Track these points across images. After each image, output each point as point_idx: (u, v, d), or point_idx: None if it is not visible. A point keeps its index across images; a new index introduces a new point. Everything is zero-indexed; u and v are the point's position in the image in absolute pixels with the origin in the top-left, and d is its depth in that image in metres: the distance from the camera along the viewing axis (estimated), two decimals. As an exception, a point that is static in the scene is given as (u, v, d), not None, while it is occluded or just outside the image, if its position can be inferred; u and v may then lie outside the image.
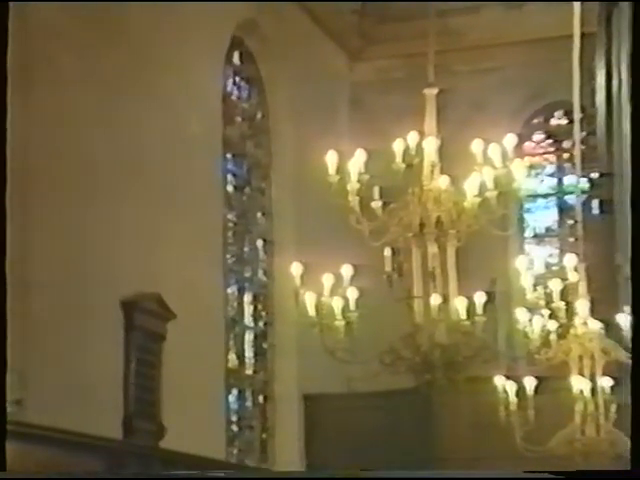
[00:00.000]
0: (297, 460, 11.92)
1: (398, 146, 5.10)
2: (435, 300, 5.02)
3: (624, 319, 7.03)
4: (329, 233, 10.98)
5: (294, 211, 12.46)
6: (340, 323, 5.09)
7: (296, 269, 5.19)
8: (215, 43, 11.22)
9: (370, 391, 10.54)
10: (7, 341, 4.34)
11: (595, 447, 7.13)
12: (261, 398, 12.01)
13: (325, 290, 5.15)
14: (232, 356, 11.49)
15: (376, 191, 5.15)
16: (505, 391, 7.17)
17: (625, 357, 6.95)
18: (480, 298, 5.12)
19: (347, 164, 5.08)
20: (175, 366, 9.58)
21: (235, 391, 11.56)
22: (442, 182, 5.15)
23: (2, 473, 4.42)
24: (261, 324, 12.14)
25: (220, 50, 11.40)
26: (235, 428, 11.52)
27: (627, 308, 7.22)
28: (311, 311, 5.13)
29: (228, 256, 11.58)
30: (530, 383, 7.22)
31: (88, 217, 8.81)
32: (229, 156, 11.84)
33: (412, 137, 5.11)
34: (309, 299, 5.13)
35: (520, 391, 7.20)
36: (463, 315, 5.04)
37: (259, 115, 12.53)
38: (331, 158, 5.10)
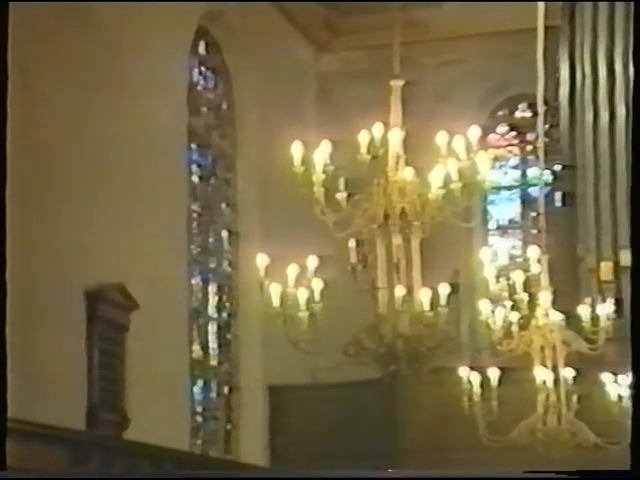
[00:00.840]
0: (261, 451, 11.93)
1: (363, 137, 5.11)
2: (399, 291, 5.04)
3: (585, 310, 7.11)
4: (294, 224, 10.98)
5: (259, 202, 12.44)
6: (304, 314, 5.10)
7: (261, 260, 5.19)
8: (180, 33, 11.16)
9: (334, 382, 10.56)
10: (7, 341, 4.30)
11: (556, 437, 7.21)
12: (226, 389, 12.00)
13: (290, 281, 5.15)
14: (196, 347, 11.46)
15: (341, 182, 5.16)
16: (469, 382, 7.22)
17: (585, 348, 7.03)
18: (444, 289, 5.14)
19: (312, 155, 5.08)
20: (139, 357, 9.55)
21: (200, 382, 11.54)
22: (407, 174, 5.16)
23: (2, 473, 4.39)
24: (225, 315, 12.12)
25: (185, 40, 11.35)
26: (199, 419, 11.50)
27: (588, 299, 7.30)
28: (276, 302, 5.13)
29: (192, 247, 11.55)
30: (493, 374, 7.28)
31: (51, 207, 8.74)
32: (194, 146, 11.79)
33: (377, 128, 5.12)
34: (274, 290, 5.14)
35: (484, 382, 7.25)
36: (427, 306, 5.06)
37: (225, 106, 12.49)
38: (296, 149, 5.09)
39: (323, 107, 13.62)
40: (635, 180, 5.03)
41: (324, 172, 5.06)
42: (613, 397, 7.45)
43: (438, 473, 9.87)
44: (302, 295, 5.12)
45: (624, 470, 5.25)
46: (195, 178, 11.81)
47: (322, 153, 5.08)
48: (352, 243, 5.22)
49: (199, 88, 12.07)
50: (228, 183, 12.39)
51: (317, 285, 5.15)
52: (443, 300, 5.12)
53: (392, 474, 9.84)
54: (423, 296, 5.08)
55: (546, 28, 8.03)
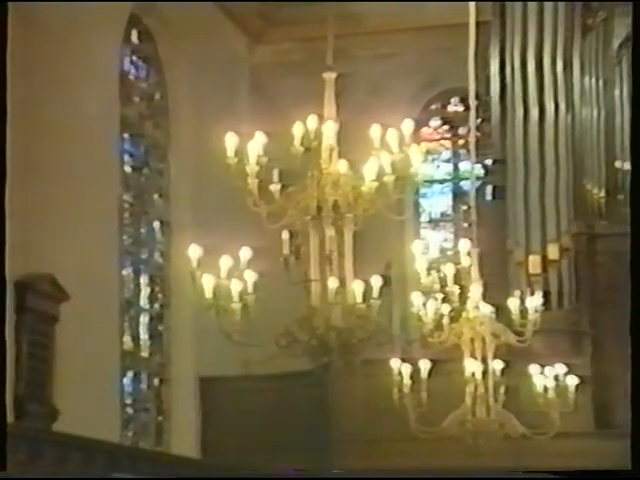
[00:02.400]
0: (193, 443, 11.89)
1: (297, 129, 5.11)
2: (332, 283, 5.06)
3: (514, 303, 7.21)
4: (227, 215, 10.94)
5: (192, 193, 12.38)
6: (237, 306, 5.09)
7: (193, 251, 5.16)
8: (112, 20, 11.04)
9: (267, 374, 10.57)
10: (6, 341, 4.22)
11: (485, 428, 7.31)
12: (157, 381, 11.93)
13: (222, 272, 5.14)
14: (127, 338, 11.38)
15: (275, 174, 5.15)
16: (400, 374, 7.28)
17: (514, 340, 7.13)
18: (376, 282, 5.18)
19: (246, 146, 5.07)
20: (69, 348, 9.44)
21: (130, 374, 11.46)
22: (340, 166, 5.18)
23: (2, 473, 4.31)
24: (157, 306, 12.05)
25: (117, 28, 11.23)
26: (130, 411, 11.42)
27: (517, 292, 7.40)
28: (208, 293, 5.11)
29: (124, 237, 11.44)
30: (424, 366, 7.35)
31: (-21, 196, 8.58)
32: (126, 136, 11.68)
33: (311, 121, 5.13)
34: (206, 281, 5.12)
35: (414, 374, 7.32)
36: (359, 298, 5.09)
37: (158, 95, 12.40)
38: (230, 140, 5.08)
39: (257, 98, 13.59)
40: (635, 180, 5.09)
41: (257, 164, 5.05)
42: (540, 388, 7.57)
43: (438, 473, 9.99)
44: (235, 287, 5.11)
45: (624, 470, 5.32)
46: (127, 168, 11.70)
47: (256, 144, 5.07)
48: (285, 235, 5.23)
49: (131, 77, 11.95)
50: (161, 173, 12.31)
51: (250, 277, 5.15)
52: (375, 292, 5.15)
53: (392, 474, 9.92)
54: (355, 288, 5.10)
55: (477, 24, 8.11)
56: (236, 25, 13.59)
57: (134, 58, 12.05)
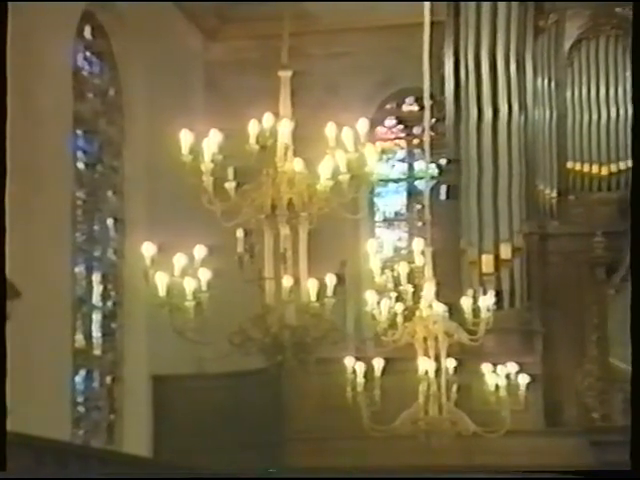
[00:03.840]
0: (145, 442, 11.83)
1: (252, 127, 5.11)
2: (286, 282, 5.06)
3: (467, 302, 7.26)
4: (182, 213, 10.90)
5: (147, 190, 12.31)
6: (190, 304, 5.07)
7: (147, 249, 5.14)
8: (65, 16, 10.93)
9: (220, 372, 10.54)
10: (7, 341, 4.16)
11: (437, 426, 7.35)
12: (109, 379, 11.85)
13: (176, 270, 5.12)
14: (79, 336, 11.29)
15: (230, 172, 5.14)
16: (353, 372, 7.30)
17: (466, 339, 7.18)
18: (330, 280, 5.19)
19: (201, 144, 5.05)
20: (19, 346, 9.33)
21: (82, 372, 11.37)
22: (296, 164, 5.18)
23: (2, 473, 4.26)
24: (110, 304, 11.97)
25: (70, 23, 11.13)
26: (81, 409, 11.34)
27: (470, 291, 7.45)
28: (161, 291, 5.09)
29: (77, 234, 11.35)
30: (378, 364, 7.37)
31: None
32: (80, 133, 11.59)
33: (266, 119, 5.13)
34: (159, 279, 5.10)
35: (368, 372, 7.34)
36: (313, 297, 5.09)
37: (112, 92, 12.31)
38: (184, 137, 5.06)
39: (212, 96, 13.55)
40: (635, 180, 5.12)
41: (212, 161, 5.03)
42: (491, 387, 7.63)
43: (440, 474, 10.00)
44: (188, 285, 5.09)
45: (624, 470, 5.35)
46: (80, 165, 11.61)
47: (211, 142, 5.06)
48: (240, 233, 5.22)
49: (85, 73, 11.85)
50: (115, 170, 12.22)
51: (204, 275, 5.13)
52: (329, 291, 5.16)
53: (394, 475, 9.91)
54: (310, 287, 5.11)
55: (432, 24, 8.15)
56: (191, 22, 13.54)
57: (87, 54, 11.95)
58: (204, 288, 5.11)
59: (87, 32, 11.90)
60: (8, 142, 8.92)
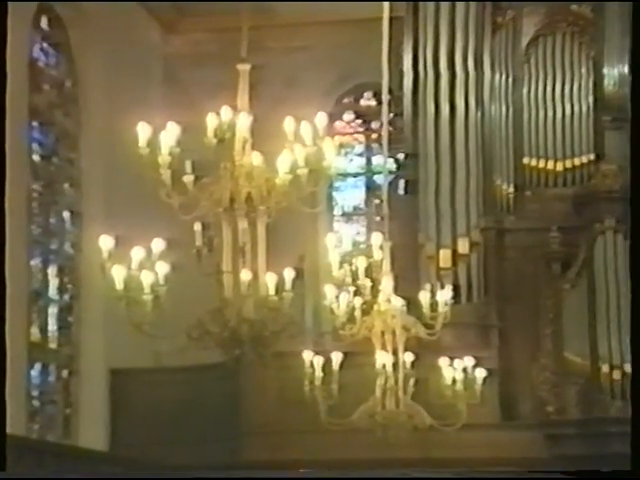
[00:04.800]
0: (102, 436, 11.77)
1: (211, 121, 5.09)
2: (244, 275, 5.05)
3: (425, 296, 7.30)
4: (139, 206, 10.84)
5: (104, 183, 12.23)
6: (148, 297, 5.05)
7: (104, 242, 5.11)
8: (21, 6, 10.81)
9: (178, 366, 10.51)
10: (7, 341, 4.10)
11: (394, 419, 7.39)
12: (65, 372, 11.76)
13: (134, 264, 5.09)
14: (35, 330, 11.20)
15: (188, 165, 5.12)
16: (311, 366, 7.31)
17: (424, 333, 7.23)
18: (289, 274, 5.19)
19: (159, 137, 5.03)
20: (-26, 340, 9.24)
21: (38, 365, 11.28)
22: (254, 158, 5.18)
23: (2, 473, 4.21)
24: (67, 297, 11.88)
25: (26, 14, 11.01)
26: (37, 403, 11.24)
27: (428, 286, 7.50)
28: (119, 285, 5.06)
29: (33, 227, 11.25)
30: (336, 358, 7.39)
31: None
32: (35, 124, 11.47)
33: (225, 112, 5.11)
34: (117, 272, 5.07)
35: (326, 366, 7.36)
36: (272, 291, 5.10)
37: (68, 83, 12.20)
38: (142, 130, 5.03)
39: (170, 89, 13.48)
40: (635, 179, 5.13)
41: (170, 154, 5.01)
42: (448, 381, 7.68)
43: (442, 474, 10.01)
44: (146, 278, 5.07)
45: (624, 470, 5.37)
46: (36, 157, 11.50)
47: (168, 135, 5.03)
48: (198, 226, 5.20)
49: (41, 64, 11.73)
50: (72, 163, 12.12)
51: (161, 268, 5.12)
52: (288, 285, 5.17)
53: (395, 474, 9.91)
54: (268, 281, 5.11)
55: (391, 19, 8.17)
56: (150, 14, 13.45)
57: (44, 45, 11.83)
58: (162, 282, 5.09)
59: (44, 23, 11.78)
60: (8, 142, 8.83)
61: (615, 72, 12.03)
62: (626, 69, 11.95)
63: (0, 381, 4.11)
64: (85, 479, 8.14)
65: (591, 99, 12.21)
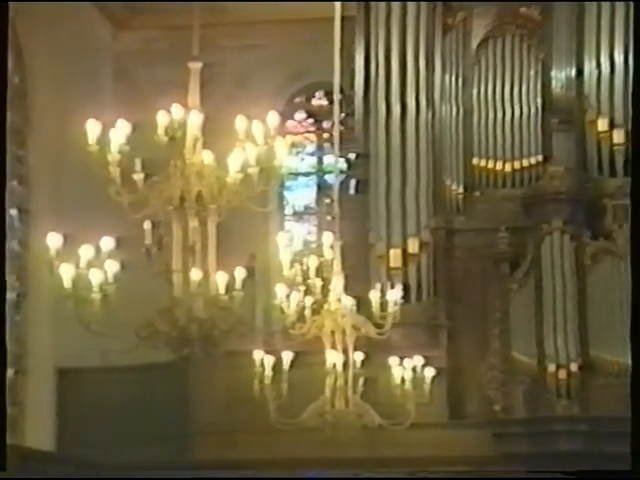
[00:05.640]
0: (49, 435, 11.66)
1: (161, 118, 5.07)
2: (194, 274, 5.04)
3: (375, 296, 7.34)
4: (89, 204, 10.74)
5: (52, 180, 12.11)
6: (96, 296, 5.02)
7: (52, 240, 5.07)
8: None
9: (127, 365, 10.43)
10: (6, 341, 4.02)
11: (344, 419, 7.41)
12: (12, 371, 11.63)
13: (82, 262, 5.06)
14: (-19, 329, 11.06)
15: (137, 163, 5.10)
16: (262, 365, 7.31)
17: (374, 332, 7.26)
18: (239, 273, 5.19)
19: (108, 134, 5.00)
20: None
21: (-16, 365, 11.14)
22: (205, 157, 5.16)
23: (2, 473, 4.13)
24: (14, 295, 11.76)
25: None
26: (-17, 403, 11.11)
27: (378, 285, 7.53)
28: (67, 283, 5.02)
29: (-21, 225, 11.11)
30: (287, 357, 7.40)
31: None
32: (-18, 121, 11.33)
33: (176, 110, 5.10)
34: (65, 271, 5.03)
35: (276, 365, 7.36)
36: (222, 290, 5.09)
37: (16, 79, 12.06)
38: (92, 127, 5.00)
39: (120, 86, 13.39)
40: (635, 180, 5.16)
41: (120, 152, 4.99)
42: (397, 380, 7.72)
43: (442, 474, 9.98)
44: (95, 277, 5.04)
45: (624, 470, 5.40)
46: (-17, 153, 11.35)
47: (118, 132, 5.01)
48: (147, 225, 5.18)
49: (-11, 60, 11.59)
50: (20, 160, 11.99)
51: (111, 267, 5.08)
52: (238, 284, 5.16)
53: (397, 475, 9.87)
54: (218, 279, 5.10)
55: (343, 18, 8.19)
56: (100, 11, 13.35)
57: (-8, 40, 11.69)
58: (111, 280, 5.06)
59: (-9, 18, 11.63)
60: (8, 142, 8.69)
61: (563, 75, 12.17)
62: (573, 72, 12.10)
63: (0, 382, 4.08)
64: (87, 479, 7.99)
65: (539, 101, 12.33)
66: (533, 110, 12.35)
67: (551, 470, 10.10)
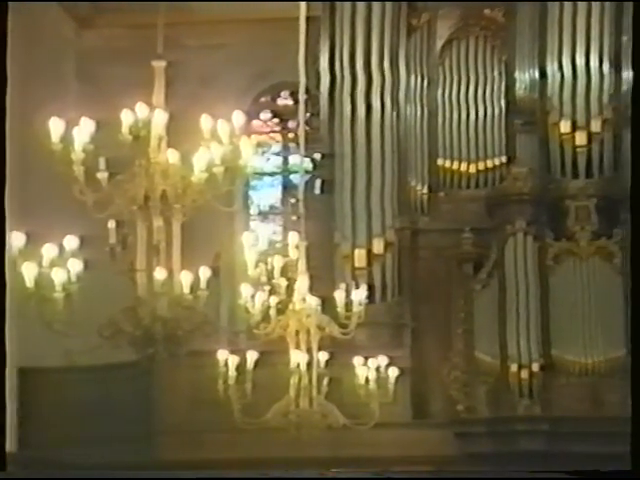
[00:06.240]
0: (10, 436, 11.54)
1: (126, 117, 5.05)
2: (159, 274, 5.03)
3: (340, 296, 7.35)
4: (52, 203, 10.69)
5: (15, 178, 11.97)
6: (59, 295, 4.99)
7: (15, 238, 5.03)
8: None
9: (90, 364, 10.38)
10: (6, 341, 3.97)
11: (308, 418, 7.42)
12: (-27, 372, 11.52)
13: (45, 261, 5.02)
14: (-58, 328, 10.94)
15: (102, 162, 5.08)
16: (226, 365, 7.30)
17: (338, 332, 7.27)
18: (204, 273, 5.18)
19: (72, 133, 4.97)
20: None
21: (-56, 365, 11.02)
22: (170, 156, 5.15)
23: (2, 473, 4.07)
24: (-25, 295, 11.64)
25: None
26: (-57, 404, 10.99)
27: (343, 285, 7.54)
28: (29, 282, 4.99)
29: (-60, 223, 11.00)
30: (251, 357, 7.39)
31: None
32: (-56, 118, 11.21)
33: (140, 109, 5.08)
34: (27, 270, 5.00)
35: (240, 365, 7.35)
36: (187, 289, 5.08)
37: (-22, 77, 11.95)
38: (54, 125, 4.97)
39: (84, 84, 13.30)
40: (635, 180, 5.17)
41: (84, 151, 4.96)
42: (362, 380, 7.73)
43: (443, 473, 9.93)
44: (57, 275, 5.01)
45: (624, 470, 5.38)
46: (-56, 151, 11.24)
47: (82, 131, 4.98)
48: (112, 224, 5.16)
49: (-50, 57, 11.47)
50: (-19, 158, 11.88)
51: (74, 266, 5.06)
52: (203, 283, 5.15)
53: (361, 475, 9.83)
54: (183, 279, 5.09)
55: (308, 18, 8.19)
56: (64, 10, 13.25)
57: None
58: (74, 279, 5.03)
59: (-47, 14, 11.51)
60: (8, 142, 8.61)
61: (526, 76, 12.25)
62: (537, 74, 12.19)
63: (0, 382, 4.06)
64: (88, 479, 7.90)
65: (503, 102, 12.41)
66: (497, 111, 12.43)
67: (551, 470, 10.12)
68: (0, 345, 4.20)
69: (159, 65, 5.32)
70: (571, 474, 8.67)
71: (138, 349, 5.17)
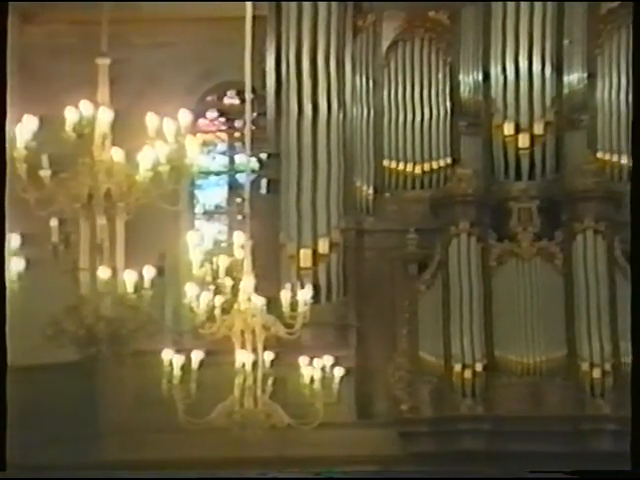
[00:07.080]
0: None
1: (69, 115, 5.01)
2: (102, 273, 4.99)
3: (285, 296, 7.35)
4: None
5: (-45, 176, 11.82)
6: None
7: (-45, 237, 4.96)
8: None
9: (32, 364, 10.26)
10: (7, 341, 3.87)
11: (252, 418, 7.41)
12: None
13: (-14, 259, 4.96)
14: None
15: (44, 159, 5.03)
16: (170, 364, 7.27)
17: (283, 332, 7.28)
18: (148, 272, 5.15)
19: (14, 130, 4.92)
20: None
21: None
22: (114, 154, 5.12)
23: (2, 473, 3.98)
24: None
25: None
26: None
27: (288, 285, 7.55)
28: (-30, 281, 4.93)
29: None
30: (196, 357, 7.37)
31: None
32: None
33: (84, 106, 5.04)
34: (-32, 268, 4.93)
35: (185, 365, 7.32)
36: (130, 288, 5.05)
37: None
38: (-3, 122, 4.91)
39: (27, 80, 13.10)
40: (635, 181, 5.19)
41: (26, 148, 4.91)
42: (306, 380, 7.75)
43: (443, 473, 9.85)
44: (-2, 275, 4.95)
45: (624, 470, 5.37)
46: None
47: (24, 128, 4.93)
48: (54, 222, 5.11)
49: None
50: None
51: (16, 264, 5.00)
52: (147, 283, 5.13)
53: (305, 475, 9.75)
54: (127, 278, 5.06)
55: (255, 18, 8.19)
56: (6, 3, 13.06)
57: None
58: (14, 278, 4.98)
59: None
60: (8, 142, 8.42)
61: (470, 79, 12.35)
62: (480, 76, 12.30)
63: (0, 381, 3.99)
64: (89, 479, 7.76)
65: (448, 104, 12.49)
66: (442, 113, 12.51)
67: (550, 470, 10.18)
68: (0, 345, 4.15)
69: (103, 63, 5.29)
70: (571, 474, 8.73)
71: (81, 349, 5.13)
